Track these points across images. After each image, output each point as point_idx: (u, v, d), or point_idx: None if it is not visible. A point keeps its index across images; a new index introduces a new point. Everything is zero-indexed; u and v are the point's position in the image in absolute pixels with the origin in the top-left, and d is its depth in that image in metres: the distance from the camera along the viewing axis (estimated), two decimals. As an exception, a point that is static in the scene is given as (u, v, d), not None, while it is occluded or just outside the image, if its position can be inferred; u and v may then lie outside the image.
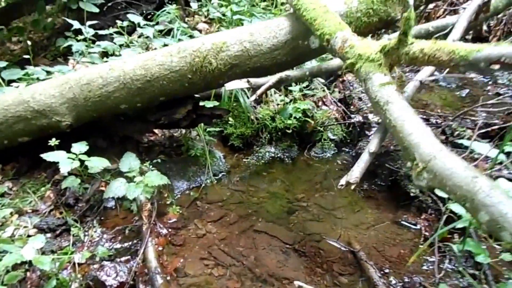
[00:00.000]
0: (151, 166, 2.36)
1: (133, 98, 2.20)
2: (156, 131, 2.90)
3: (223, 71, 2.17)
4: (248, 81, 2.04)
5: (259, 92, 1.98)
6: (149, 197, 2.18)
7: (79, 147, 2.13)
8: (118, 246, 2.10)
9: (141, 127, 2.50)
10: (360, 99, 3.18)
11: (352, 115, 3.05)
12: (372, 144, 1.54)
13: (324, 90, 3.30)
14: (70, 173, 2.18)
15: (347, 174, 1.50)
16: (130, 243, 2.11)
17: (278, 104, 3.17)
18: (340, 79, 3.48)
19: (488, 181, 1.11)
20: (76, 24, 2.62)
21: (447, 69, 2.02)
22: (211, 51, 2.15)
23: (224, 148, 3.02)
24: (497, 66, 1.23)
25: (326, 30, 1.85)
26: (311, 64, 2.62)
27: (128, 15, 2.94)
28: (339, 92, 3.38)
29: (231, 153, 3.00)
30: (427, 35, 2.21)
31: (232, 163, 2.90)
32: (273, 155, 3.01)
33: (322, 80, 3.34)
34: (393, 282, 1.93)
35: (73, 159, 2.07)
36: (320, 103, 3.27)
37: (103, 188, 2.35)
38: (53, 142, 2.14)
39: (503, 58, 1.21)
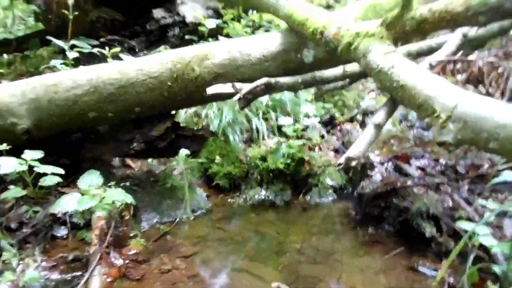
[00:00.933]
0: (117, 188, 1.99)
1: (105, 105, 1.95)
2: (131, 163, 2.58)
3: (207, 80, 1.96)
4: (233, 86, 1.81)
5: (243, 91, 1.73)
6: (106, 214, 1.78)
7: (32, 154, 1.81)
8: (58, 277, 1.65)
9: (114, 147, 2.20)
10: (360, 142, 2.92)
11: (353, 156, 2.74)
12: (378, 116, 1.24)
13: (322, 137, 3.06)
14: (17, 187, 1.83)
15: (349, 150, 1.17)
16: (73, 274, 1.66)
17: (271, 147, 2.90)
18: (338, 128, 3.26)
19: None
20: (60, 44, 2.50)
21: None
22: (195, 58, 1.97)
23: (208, 189, 2.66)
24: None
25: (319, 24, 1.69)
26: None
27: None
28: (337, 139, 3.13)
29: (216, 194, 2.63)
30: (430, 53, 2.04)
31: (216, 202, 2.51)
32: (263, 197, 2.63)
33: (319, 125, 3.12)
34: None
35: (21, 164, 1.74)
36: (316, 149, 3.00)
37: (56, 212, 1.97)
38: (3, 147, 1.83)
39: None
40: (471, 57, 3.35)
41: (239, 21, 3.82)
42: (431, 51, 1.94)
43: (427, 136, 3.35)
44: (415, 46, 2.03)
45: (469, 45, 1.95)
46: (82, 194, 1.80)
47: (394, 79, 1.15)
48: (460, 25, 1.22)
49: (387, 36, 1.34)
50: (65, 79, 1.92)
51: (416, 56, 1.93)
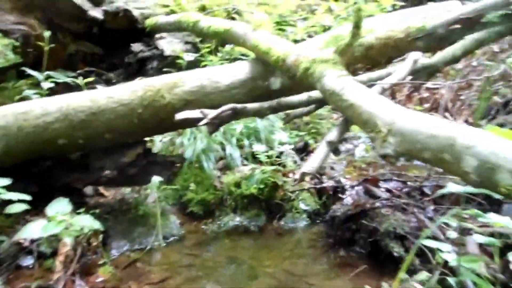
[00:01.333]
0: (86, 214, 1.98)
1: (75, 132, 1.97)
2: (104, 192, 2.57)
3: (177, 107, 2.02)
4: (201, 111, 1.87)
5: (210, 116, 1.79)
6: (72, 241, 1.76)
7: (-1, 181, 1.81)
8: (19, 308, 1.60)
9: (84, 175, 2.20)
10: (332, 168, 2.98)
11: (324, 181, 2.80)
12: (332, 134, 1.30)
13: (295, 162, 3.12)
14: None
15: (303, 166, 1.22)
16: (36, 304, 1.62)
17: (245, 174, 2.93)
18: (312, 154, 3.33)
19: (466, 125, 0.87)
20: (35, 74, 2.55)
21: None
22: (165, 86, 2.04)
23: (182, 216, 2.65)
24: (458, 25, 1.10)
25: (281, 53, 1.79)
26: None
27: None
28: (312, 165, 3.19)
29: (190, 221, 2.62)
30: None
31: (189, 229, 2.51)
32: (237, 223, 2.63)
33: (293, 153, 3.19)
34: None
35: (-14, 191, 1.73)
36: (290, 175, 3.04)
37: (22, 241, 1.94)
38: (-31, 175, 1.82)
39: (461, 16, 1.10)
40: (439, 86, 3.53)
41: (216, 54, 3.96)
42: (381, 79, 2.06)
43: (399, 160, 3.45)
44: (375, 74, 2.14)
45: (425, 72, 2.08)
46: (49, 221, 1.78)
47: (344, 99, 1.23)
48: (403, 50, 1.32)
49: (340, 62, 1.43)
50: (36, 107, 1.95)
51: (376, 81, 2.04)
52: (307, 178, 3.06)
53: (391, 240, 2.06)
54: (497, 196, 1.06)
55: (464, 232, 2.03)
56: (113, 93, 2.01)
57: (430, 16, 2.36)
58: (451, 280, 1.41)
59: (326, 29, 4.80)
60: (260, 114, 1.96)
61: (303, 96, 2.03)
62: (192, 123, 2.06)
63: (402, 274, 1.63)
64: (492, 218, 1.33)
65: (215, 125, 1.88)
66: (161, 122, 2.05)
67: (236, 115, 1.90)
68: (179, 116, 1.88)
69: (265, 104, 1.96)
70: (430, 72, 2.09)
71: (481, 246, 1.94)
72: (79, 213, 1.98)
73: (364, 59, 1.37)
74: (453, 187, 1.16)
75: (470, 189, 1.02)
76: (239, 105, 1.88)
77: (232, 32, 2.33)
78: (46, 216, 1.88)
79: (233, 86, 2.08)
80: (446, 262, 1.70)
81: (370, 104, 1.11)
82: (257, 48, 2.02)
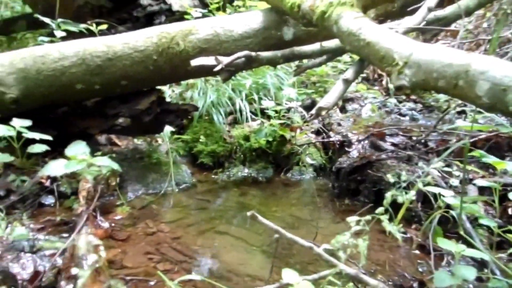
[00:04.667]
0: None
1: (92, 77, 2.01)
2: (117, 141, 2.65)
3: (191, 54, 2.05)
4: (215, 58, 1.89)
5: (225, 62, 1.82)
6: (92, 179, 1.85)
7: (21, 122, 1.87)
8: (46, 237, 1.71)
9: (100, 122, 2.26)
10: (339, 124, 3.04)
11: (331, 135, 2.86)
12: (348, 73, 1.35)
13: (303, 119, 3.17)
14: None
15: (320, 101, 1.27)
16: (60, 235, 1.72)
17: (253, 128, 3.00)
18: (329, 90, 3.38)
19: (480, 54, 0.91)
20: (48, 21, 2.56)
21: None
22: (180, 33, 2.06)
23: (192, 167, 2.74)
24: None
25: (297, -1, 1.79)
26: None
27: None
28: (318, 122, 3.24)
29: (200, 171, 2.72)
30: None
31: (200, 178, 2.60)
32: (246, 174, 2.73)
33: (301, 110, 3.23)
34: (382, 280, 1.55)
35: (10, 130, 1.79)
36: (298, 130, 3.10)
37: (43, 181, 2.03)
38: (-9, 115, 1.88)
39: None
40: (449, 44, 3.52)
41: (224, 10, 3.92)
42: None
43: (403, 121, 3.51)
44: (387, 25, 2.15)
45: (438, 24, 2.09)
46: (68, 159, 1.86)
47: (361, 38, 1.26)
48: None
49: (357, 4, 1.45)
50: (53, 51, 1.98)
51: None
52: (313, 135, 3.13)
53: (396, 189, 2.15)
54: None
55: (466, 182, 2.12)
56: (129, 39, 2.03)
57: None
58: (453, 213, 1.49)
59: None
60: (274, 62, 1.99)
61: (316, 46, 2.05)
62: (206, 70, 2.10)
63: (402, 214, 1.73)
64: (495, 160, 1.39)
65: (229, 72, 1.92)
66: (176, 69, 2.09)
67: (250, 62, 1.93)
68: (194, 62, 1.92)
69: (279, 52, 1.98)
70: (443, 23, 2.11)
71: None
72: (96, 156, 2.07)
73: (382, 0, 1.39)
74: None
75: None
76: (253, 53, 1.91)
77: (245, -18, 2.31)
78: (66, 157, 1.96)
79: (247, 35, 2.09)
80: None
81: (387, 40, 1.14)
82: (271, -5, 2.02)
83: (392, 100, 3.81)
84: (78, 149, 1.94)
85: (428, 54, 1.00)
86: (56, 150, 2.15)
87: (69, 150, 1.93)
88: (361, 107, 3.77)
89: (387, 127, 2.71)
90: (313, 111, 1.27)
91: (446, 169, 2.27)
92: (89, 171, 1.79)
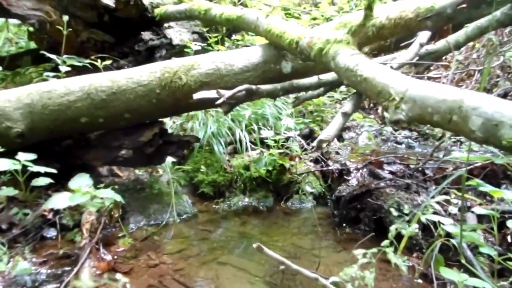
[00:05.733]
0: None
1: (96, 111, 2.07)
2: (119, 172, 2.68)
3: (193, 88, 2.12)
4: (217, 92, 1.96)
5: (226, 95, 1.89)
6: (95, 211, 1.86)
7: (26, 155, 1.90)
8: (48, 271, 1.70)
9: (103, 154, 2.30)
10: (337, 152, 3.09)
11: (330, 164, 2.91)
12: (347, 106, 1.41)
13: (302, 148, 3.23)
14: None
15: (320, 134, 1.32)
16: (63, 269, 1.72)
17: (253, 157, 3.04)
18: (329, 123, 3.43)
19: (472, 91, 0.97)
20: (54, 57, 2.64)
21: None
22: (182, 68, 2.13)
23: (193, 197, 2.76)
24: (464, 5, 1.20)
25: (295, 35, 1.88)
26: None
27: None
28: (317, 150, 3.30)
29: (201, 201, 2.74)
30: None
31: (201, 208, 2.62)
32: (247, 203, 2.75)
33: (299, 139, 3.29)
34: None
35: (15, 164, 1.82)
36: (297, 159, 3.15)
37: (46, 213, 2.04)
38: (-3, 149, 1.91)
39: (467, -4, 1.20)
40: (440, 76, 3.63)
41: (222, 44, 4.05)
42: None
43: (400, 148, 3.57)
44: (381, 59, 2.24)
45: (429, 58, 2.19)
46: (74, 193, 1.88)
47: (358, 74, 1.33)
48: (413, 30, 1.42)
49: (352, 42, 1.53)
50: (59, 86, 2.04)
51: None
52: (312, 163, 3.18)
53: (395, 217, 2.17)
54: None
55: (465, 210, 2.15)
56: (132, 74, 2.11)
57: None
58: (453, 241, 1.52)
59: (329, 21, 4.90)
60: (273, 95, 2.06)
61: (313, 79, 2.13)
62: (208, 103, 2.16)
63: (404, 244, 1.75)
64: (492, 189, 1.43)
65: (230, 105, 1.98)
66: (178, 103, 2.15)
67: (251, 95, 2.00)
68: (197, 96, 1.98)
69: (278, 85, 2.06)
70: (434, 57, 2.20)
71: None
72: (98, 188, 2.09)
73: (376, 38, 1.47)
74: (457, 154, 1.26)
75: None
76: (253, 86, 1.98)
77: (244, 19, 2.42)
78: (69, 189, 1.99)
79: (247, 69, 2.17)
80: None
81: (383, 76, 1.21)
82: (270, 32, 2.11)
83: (388, 129, 3.88)
84: (81, 182, 1.97)
85: (422, 90, 1.06)
86: (59, 182, 2.18)
87: (73, 183, 1.96)
88: (358, 136, 3.84)
89: (385, 155, 2.76)
90: (314, 144, 1.31)
91: (444, 196, 2.32)
92: (92, 203, 1.81)
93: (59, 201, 1.79)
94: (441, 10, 1.24)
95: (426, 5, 1.29)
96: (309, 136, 3.50)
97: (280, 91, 2.06)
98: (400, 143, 3.63)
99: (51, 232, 2.03)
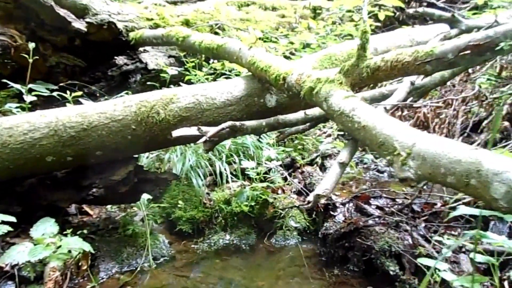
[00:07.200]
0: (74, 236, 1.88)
1: (64, 148, 1.88)
2: (89, 210, 2.46)
3: (171, 123, 1.98)
4: (198, 129, 1.83)
5: (209, 134, 1.75)
6: (61, 265, 1.66)
7: (-20, 201, 1.69)
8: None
9: (71, 194, 2.10)
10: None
11: (315, 198, 2.79)
12: (343, 155, 1.30)
13: (284, 179, 3.11)
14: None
15: (316, 188, 1.20)
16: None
17: (234, 190, 2.89)
18: (299, 170, 3.34)
19: (488, 150, 0.88)
20: (18, 87, 2.43)
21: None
22: (160, 101, 1.99)
23: (170, 235, 2.57)
24: (467, 51, 1.13)
25: (281, 71, 1.79)
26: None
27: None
28: (299, 182, 3.19)
29: (179, 240, 2.55)
30: (383, 98, 2.20)
31: (179, 249, 2.43)
32: (228, 242, 2.58)
33: (280, 169, 3.18)
34: None
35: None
36: (279, 191, 3.03)
37: (2, 265, 1.81)
38: None
39: (472, 43, 1.13)
40: (415, 105, 3.64)
41: (200, 69, 3.93)
42: (383, 97, 2.10)
43: (382, 177, 3.52)
44: (368, 93, 2.18)
45: (416, 93, 2.14)
46: (35, 244, 1.67)
47: (355, 121, 1.23)
48: (410, 73, 1.35)
49: (345, 82, 1.44)
50: (22, 122, 1.85)
51: (370, 102, 2.07)
52: (295, 195, 3.06)
53: (386, 258, 2.07)
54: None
55: (456, 249, 2.08)
56: (105, 108, 1.94)
57: (417, 38, 2.44)
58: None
59: (305, 46, 4.89)
60: (258, 131, 1.94)
61: (300, 114, 2.03)
62: (187, 140, 2.03)
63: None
64: (494, 238, 1.35)
65: (212, 142, 1.85)
66: (155, 139, 2.00)
67: (235, 132, 1.87)
68: (176, 133, 1.84)
69: (263, 121, 1.95)
70: (420, 92, 2.15)
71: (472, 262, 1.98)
72: (66, 235, 1.89)
73: (371, 79, 1.38)
74: (464, 209, 1.17)
75: (486, 212, 1.03)
76: (237, 123, 1.86)
77: (225, 48, 2.32)
78: (31, 238, 1.77)
79: (229, 103, 2.05)
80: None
81: (385, 126, 1.11)
82: (254, 65, 2.01)
83: (369, 156, 3.84)
84: (45, 229, 1.77)
85: (432, 146, 0.96)
86: (20, 226, 1.96)
87: (35, 231, 1.76)
88: (340, 163, 3.76)
89: (370, 190, 2.68)
90: (311, 198, 1.19)
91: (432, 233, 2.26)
92: (57, 255, 1.61)
93: (17, 255, 1.58)
94: (442, 55, 1.17)
95: (425, 49, 1.21)
96: (291, 165, 3.40)
97: (266, 127, 1.95)
98: (382, 172, 3.58)
99: (9, 287, 1.79)
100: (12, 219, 1.69)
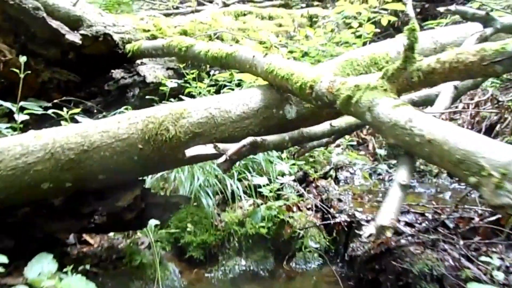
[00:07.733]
0: (75, 274, 1.64)
1: (62, 173, 1.66)
2: (89, 239, 2.22)
3: (183, 141, 1.76)
4: (215, 146, 1.62)
5: (230, 152, 1.54)
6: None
7: (-34, 240, 1.45)
8: None
9: (70, 223, 1.86)
10: (340, 200, 2.78)
11: (336, 215, 2.58)
12: (402, 175, 1.09)
13: (300, 195, 2.89)
14: None
15: (377, 218, 0.99)
16: None
17: (247, 210, 2.67)
18: (314, 185, 3.13)
19: None
20: (8, 105, 2.20)
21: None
22: (169, 117, 1.77)
23: (180, 263, 2.34)
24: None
25: (307, 78, 1.59)
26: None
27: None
28: (314, 197, 2.98)
29: (190, 268, 2.31)
30: (422, 104, 2.01)
31: (191, 278, 2.20)
32: (244, 268, 2.35)
33: (294, 184, 2.97)
34: None
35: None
36: (295, 209, 2.81)
37: (-7, 312, 1.56)
38: None
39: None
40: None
41: (200, 81, 3.73)
42: (413, 104, 1.91)
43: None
44: (405, 98, 1.99)
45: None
46: (30, 286, 1.44)
47: (415, 134, 1.03)
48: (474, 76, 1.16)
49: (390, 89, 1.25)
50: (13, 145, 1.62)
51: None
52: (311, 212, 2.84)
53: (428, 283, 1.86)
54: None
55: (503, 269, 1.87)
56: (108, 126, 1.72)
57: (441, 40, 2.27)
58: None
59: (304, 54, 4.73)
60: (281, 146, 1.74)
61: (325, 126, 1.84)
62: (200, 159, 1.82)
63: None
64: None
65: (231, 161, 1.63)
66: (165, 158, 1.78)
67: (255, 149, 1.67)
68: (190, 152, 1.63)
69: (286, 135, 1.74)
70: (454, 97, 1.97)
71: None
72: (66, 272, 1.65)
73: (422, 84, 1.20)
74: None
75: None
76: (258, 138, 1.65)
77: (236, 57, 2.12)
78: (25, 279, 1.54)
79: (245, 116, 1.85)
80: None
81: (460, 139, 0.91)
82: (272, 74, 1.81)
83: (383, 166, 3.64)
84: (42, 267, 1.53)
85: (536, 164, 0.76)
86: (13, 263, 1.72)
87: (30, 270, 1.53)
88: (352, 175, 3.57)
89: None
90: (373, 231, 0.98)
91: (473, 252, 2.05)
92: (58, 301, 1.37)
93: (11, 303, 1.34)
94: (516, 51, 0.99)
95: (493, 46, 1.03)
96: (303, 179, 3.19)
97: (289, 142, 1.74)
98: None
99: (1, 337, 1.55)
100: (4, 259, 1.45)
